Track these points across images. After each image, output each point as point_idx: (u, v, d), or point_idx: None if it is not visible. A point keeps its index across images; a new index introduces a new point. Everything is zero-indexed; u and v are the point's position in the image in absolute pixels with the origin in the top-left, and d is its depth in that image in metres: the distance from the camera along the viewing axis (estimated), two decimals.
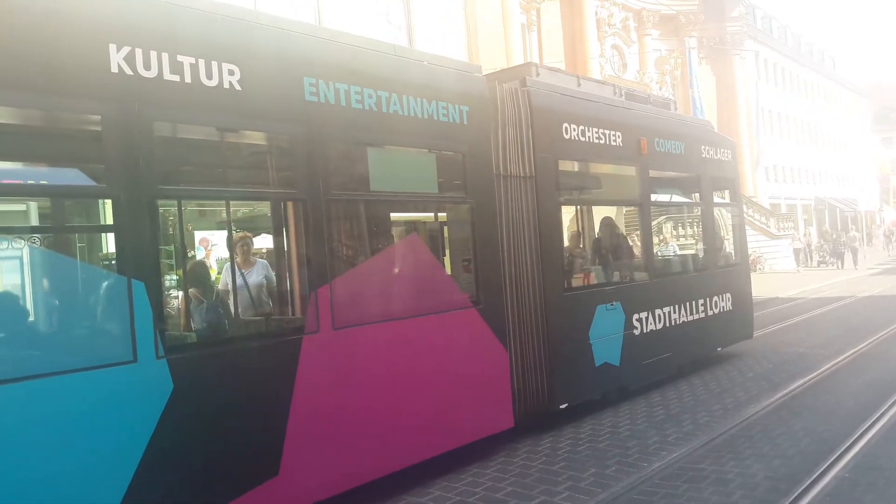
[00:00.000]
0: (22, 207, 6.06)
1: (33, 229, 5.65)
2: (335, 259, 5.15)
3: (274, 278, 6.06)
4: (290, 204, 5.20)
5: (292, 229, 5.21)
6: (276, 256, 5.83)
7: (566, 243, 7.84)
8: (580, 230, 8.96)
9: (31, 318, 4.23)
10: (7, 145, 4.11)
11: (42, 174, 4.41)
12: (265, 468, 4.35)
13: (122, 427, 3.72)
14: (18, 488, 3.34)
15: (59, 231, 4.91)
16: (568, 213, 8.84)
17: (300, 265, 5.10)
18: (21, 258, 4.14)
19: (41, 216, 5.66)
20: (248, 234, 6.46)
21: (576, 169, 8.10)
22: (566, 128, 7.16)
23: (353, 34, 5.58)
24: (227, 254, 8.12)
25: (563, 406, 6.84)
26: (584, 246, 8.66)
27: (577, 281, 7.73)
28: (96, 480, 3.60)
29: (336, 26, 5.41)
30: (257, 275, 6.08)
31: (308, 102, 4.79)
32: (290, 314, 5.51)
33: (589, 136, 7.43)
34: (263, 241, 7.05)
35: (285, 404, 4.48)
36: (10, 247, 4.09)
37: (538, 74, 7.40)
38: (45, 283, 4.18)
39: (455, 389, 5.70)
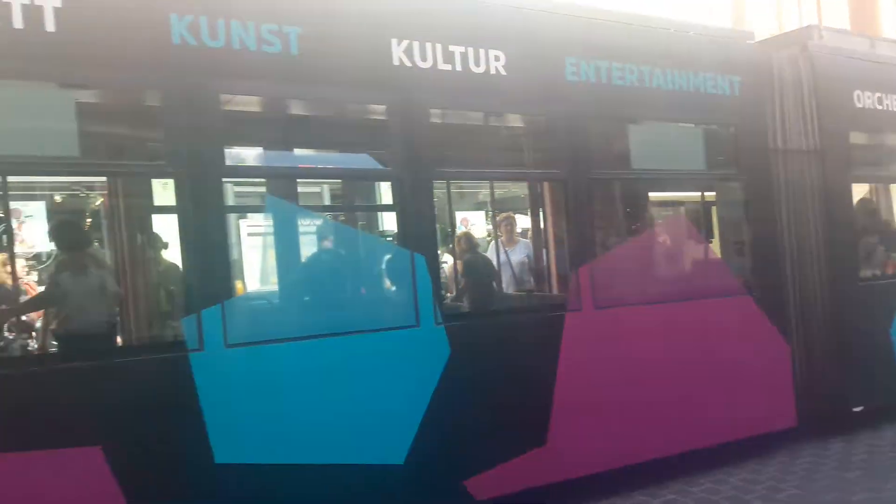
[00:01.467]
0: (316, 189, 6.97)
1: (325, 208, 6.48)
2: (597, 239, 5.10)
3: (534, 257, 6.19)
4: (549, 184, 5.27)
5: (552, 209, 5.28)
6: (537, 236, 5.94)
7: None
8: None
9: (336, 286, 4.85)
10: (305, 135, 4.75)
11: (336, 159, 5.00)
12: (533, 436, 4.45)
13: (411, 381, 4.10)
14: (329, 420, 3.84)
15: (351, 210, 5.57)
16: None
17: (561, 245, 5.13)
18: (322, 235, 4.76)
19: (332, 197, 6.46)
20: (512, 214, 6.70)
21: (870, 141, 7.05)
22: (858, 95, 6.30)
23: (612, 10, 5.48)
24: (485, 233, 8.49)
25: (857, 409, 6.01)
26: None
27: (876, 270, 6.72)
28: (392, 425, 4.01)
29: (595, 3, 5.34)
30: (520, 253, 6.28)
31: (569, 82, 4.79)
32: (549, 292, 5.58)
33: (887, 104, 6.45)
34: (522, 222, 7.24)
35: (551, 377, 4.53)
36: (312, 224, 4.73)
37: (821, 38, 6.58)
38: (344, 255, 4.76)
39: (724, 380, 5.29)
